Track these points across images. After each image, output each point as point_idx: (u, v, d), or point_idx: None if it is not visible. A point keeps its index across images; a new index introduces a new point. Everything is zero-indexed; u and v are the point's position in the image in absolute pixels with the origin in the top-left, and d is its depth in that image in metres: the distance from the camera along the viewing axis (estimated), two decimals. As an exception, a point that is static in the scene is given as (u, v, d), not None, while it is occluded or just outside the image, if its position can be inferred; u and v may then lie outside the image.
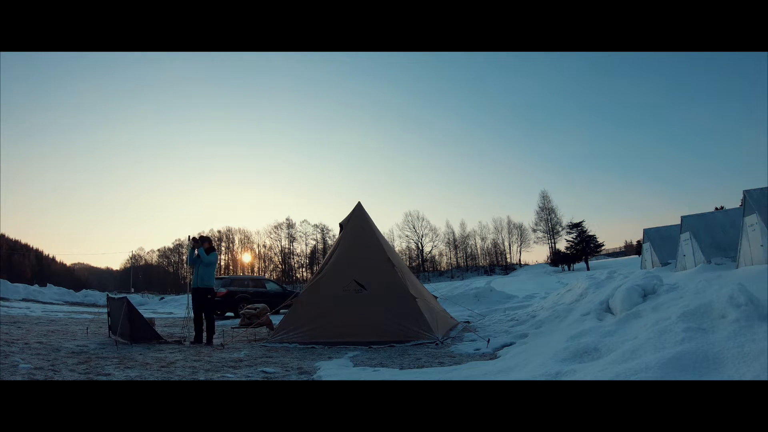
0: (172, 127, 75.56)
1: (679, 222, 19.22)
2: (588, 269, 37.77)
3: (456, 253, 62.61)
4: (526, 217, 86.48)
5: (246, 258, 60.57)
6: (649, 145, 70.13)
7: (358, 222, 7.18)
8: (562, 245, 49.86)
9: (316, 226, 63.76)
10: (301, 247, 64.11)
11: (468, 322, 8.44)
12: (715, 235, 17.21)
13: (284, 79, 74.06)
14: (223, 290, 12.43)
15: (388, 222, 74.56)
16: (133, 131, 74.84)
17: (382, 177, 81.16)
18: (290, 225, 63.63)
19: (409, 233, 60.35)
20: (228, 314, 12.78)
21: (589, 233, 45.00)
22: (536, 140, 75.22)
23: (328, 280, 6.70)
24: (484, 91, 74.65)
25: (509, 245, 60.41)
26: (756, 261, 12.81)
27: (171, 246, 65.96)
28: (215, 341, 6.57)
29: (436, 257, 62.20)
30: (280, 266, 63.72)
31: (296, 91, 74.44)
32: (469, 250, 62.69)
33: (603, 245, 46.98)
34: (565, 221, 50.73)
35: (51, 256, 63.32)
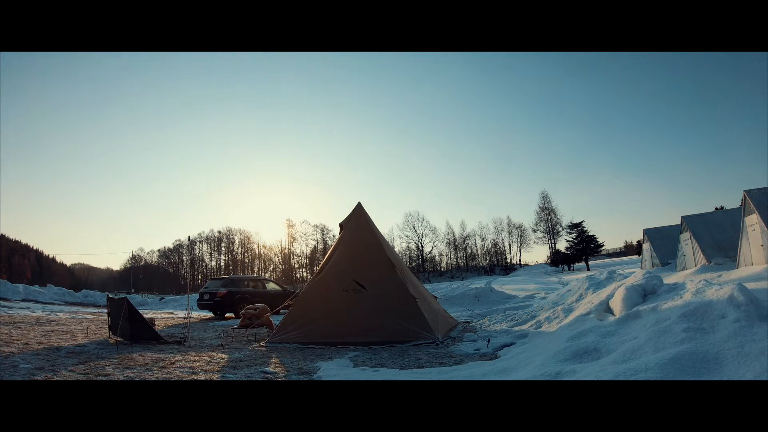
0: (173, 127, 75.59)
1: (679, 222, 19.25)
2: (588, 269, 37.75)
3: (456, 253, 62.63)
4: (526, 217, 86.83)
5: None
6: (649, 145, 70.17)
7: (358, 222, 7.18)
8: (562, 245, 49.88)
9: (316, 226, 63.85)
10: (301, 248, 64.19)
11: (468, 322, 8.43)
12: (715, 235, 17.23)
13: (285, 79, 74.10)
14: (223, 290, 12.44)
15: (388, 222, 74.79)
16: (134, 131, 74.84)
17: (383, 177, 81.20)
18: (290, 225, 63.68)
19: (409, 233, 60.39)
20: (228, 314, 12.78)
21: (589, 233, 44.99)
22: (536, 140, 75.25)
23: (328, 281, 6.70)
24: (484, 91, 74.72)
25: (509, 245, 60.46)
26: (756, 261, 12.81)
27: (171, 246, 66.07)
28: (214, 341, 6.57)
29: (436, 257, 62.24)
30: (280, 266, 63.74)
31: (296, 91, 74.47)
32: (469, 250, 62.74)
33: (603, 245, 46.98)
34: (565, 221, 50.76)
35: (51, 256, 63.38)
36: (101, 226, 76.00)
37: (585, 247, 44.28)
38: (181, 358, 5.12)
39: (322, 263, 7.18)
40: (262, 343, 6.42)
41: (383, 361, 4.87)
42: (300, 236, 63.70)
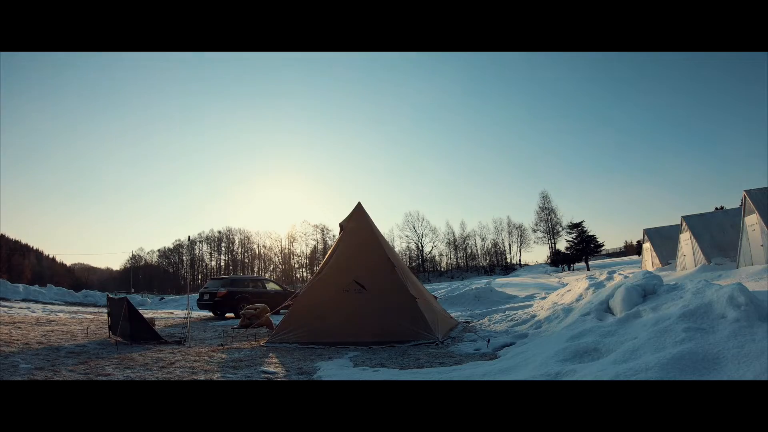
0: (173, 127, 75.58)
1: (679, 222, 19.24)
2: (588, 269, 37.74)
3: (456, 253, 62.63)
4: (526, 217, 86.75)
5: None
6: (649, 145, 70.18)
7: (358, 222, 7.17)
8: (562, 245, 49.86)
9: (316, 226, 63.83)
10: (301, 248, 64.20)
11: (468, 322, 8.43)
12: (715, 235, 17.23)
13: (285, 79, 74.11)
14: (223, 290, 12.44)
15: (388, 222, 74.79)
16: (134, 131, 74.80)
17: (383, 177, 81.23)
18: (292, 227, 63.68)
19: (409, 233, 60.40)
20: (228, 314, 12.78)
21: (589, 233, 44.96)
22: (536, 140, 75.26)
23: (328, 281, 6.70)
24: (484, 91, 74.69)
25: (509, 245, 60.51)
26: (756, 261, 12.81)
27: (171, 246, 65.99)
28: (214, 341, 6.57)
29: (436, 257, 62.25)
30: (280, 266, 63.74)
31: (296, 91, 74.47)
32: (469, 250, 62.76)
33: (603, 245, 46.93)
34: (565, 221, 50.76)
35: (51, 256, 63.28)
36: (101, 226, 76.01)
37: (585, 247, 44.24)
38: (181, 358, 5.12)
39: (322, 263, 7.18)
40: (262, 343, 6.42)
41: (383, 361, 4.87)
42: (300, 236, 63.77)
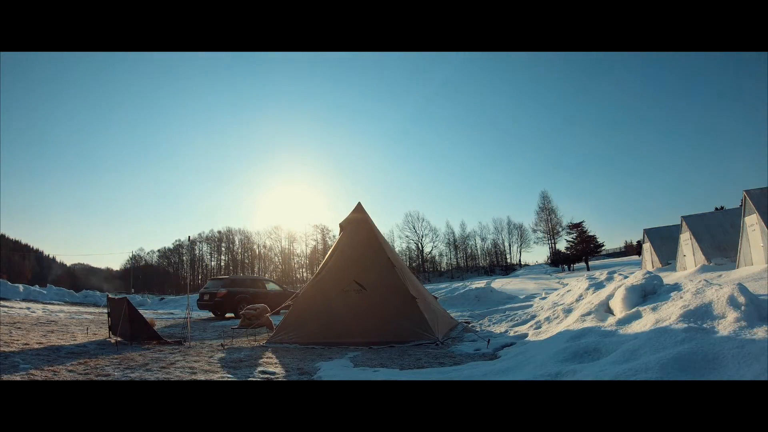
0: (172, 127, 75.59)
1: (679, 222, 19.25)
2: (588, 269, 37.74)
3: (456, 253, 62.63)
4: (526, 217, 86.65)
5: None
6: (649, 145, 70.11)
7: (358, 222, 7.17)
8: (562, 245, 49.87)
9: (316, 226, 63.81)
10: (301, 248, 64.18)
11: (468, 322, 8.43)
12: (715, 235, 17.24)
13: (284, 78, 74.10)
14: (223, 291, 12.43)
15: (388, 222, 74.86)
16: (134, 131, 74.78)
17: (382, 177, 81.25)
18: (291, 233, 63.63)
19: (409, 233, 60.38)
20: (228, 314, 12.78)
21: (589, 233, 44.97)
22: (536, 140, 75.25)
23: (328, 281, 6.70)
24: (484, 91, 74.68)
25: (509, 246, 60.51)
26: (756, 261, 12.81)
27: (171, 246, 65.96)
28: (214, 341, 6.57)
29: (436, 258, 62.24)
30: (280, 267, 63.73)
31: (296, 90, 74.49)
32: (469, 250, 62.75)
33: (603, 245, 46.93)
34: (565, 221, 50.76)
35: (51, 256, 63.24)
36: (101, 226, 75.96)
37: (585, 248, 44.23)
38: (181, 358, 5.12)
39: (322, 263, 7.18)
40: (262, 343, 6.42)
41: (383, 362, 4.87)
42: (300, 236, 63.78)
